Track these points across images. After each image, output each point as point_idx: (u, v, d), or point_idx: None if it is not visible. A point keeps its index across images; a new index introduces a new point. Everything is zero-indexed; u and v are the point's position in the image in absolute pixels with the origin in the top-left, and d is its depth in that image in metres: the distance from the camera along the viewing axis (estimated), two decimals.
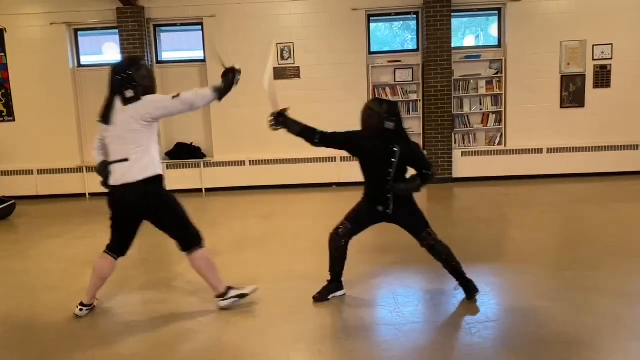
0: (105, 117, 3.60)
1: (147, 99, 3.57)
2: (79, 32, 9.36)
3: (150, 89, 3.65)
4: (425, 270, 4.38)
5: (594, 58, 8.95)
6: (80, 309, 3.82)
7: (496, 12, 9.15)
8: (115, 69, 3.61)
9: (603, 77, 8.98)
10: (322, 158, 8.73)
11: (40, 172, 9.16)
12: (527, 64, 8.96)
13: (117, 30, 9.00)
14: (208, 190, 9.22)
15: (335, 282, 3.98)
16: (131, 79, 3.54)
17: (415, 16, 9.22)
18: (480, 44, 9.52)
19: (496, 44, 9.22)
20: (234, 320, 3.75)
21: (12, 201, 7.87)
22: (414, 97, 9.17)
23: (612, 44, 8.89)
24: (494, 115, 9.19)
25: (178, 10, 9.08)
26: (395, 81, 9.15)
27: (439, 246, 3.80)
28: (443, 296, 3.94)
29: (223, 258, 5.27)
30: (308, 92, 9.00)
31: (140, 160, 3.55)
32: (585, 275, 4.30)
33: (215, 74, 9.38)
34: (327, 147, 3.90)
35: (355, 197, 4.06)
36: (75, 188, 9.22)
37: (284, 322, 3.64)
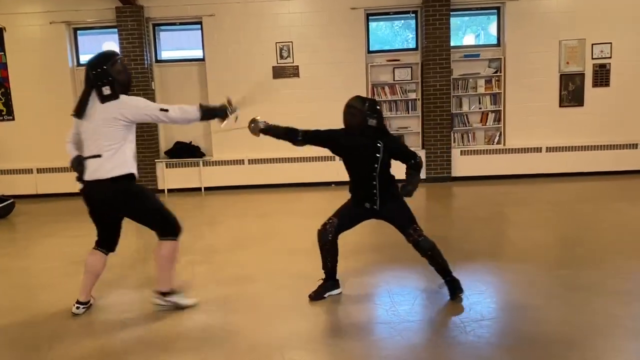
0: (80, 111, 3.60)
1: (131, 102, 3.58)
2: (78, 31, 9.37)
3: (127, 83, 3.66)
4: (421, 269, 4.38)
5: (593, 57, 8.94)
6: (77, 307, 3.83)
7: (495, 11, 9.15)
8: (91, 64, 3.61)
9: (602, 76, 8.97)
10: (321, 157, 8.74)
11: (39, 171, 9.17)
12: (526, 62, 8.96)
13: (116, 30, 9.01)
14: (207, 189, 9.23)
15: (330, 280, 3.99)
16: (106, 74, 3.53)
17: (414, 15, 9.22)
18: (480, 43, 9.52)
19: (495, 42, 9.22)
20: (229, 318, 3.76)
21: (11, 200, 7.89)
22: (412, 96, 9.17)
23: (611, 43, 8.88)
24: (493, 114, 9.19)
25: (177, 10, 9.09)
26: (394, 80, 9.15)
27: (424, 242, 3.80)
28: (438, 295, 3.94)
29: (221, 256, 5.29)
30: (307, 91, 9.00)
31: (113, 157, 3.55)
32: (581, 274, 4.31)
33: (215, 73, 9.43)
34: (311, 144, 3.96)
35: None
36: (74, 187, 9.06)
37: (280, 320, 3.65)
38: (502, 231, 6.08)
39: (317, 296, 3.93)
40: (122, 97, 3.57)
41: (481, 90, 9.14)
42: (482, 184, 8.80)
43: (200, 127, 9.40)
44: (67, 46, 9.19)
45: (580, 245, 5.21)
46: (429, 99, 8.99)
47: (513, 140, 9.16)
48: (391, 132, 9.00)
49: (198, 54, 9.36)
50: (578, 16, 8.87)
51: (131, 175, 3.64)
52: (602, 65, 8.95)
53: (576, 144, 9.03)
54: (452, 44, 8.96)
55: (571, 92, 9.04)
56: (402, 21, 9.73)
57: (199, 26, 9.21)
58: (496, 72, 9.09)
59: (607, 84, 8.98)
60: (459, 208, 7.61)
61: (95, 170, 3.56)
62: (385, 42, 9.85)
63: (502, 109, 9.13)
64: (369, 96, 9.02)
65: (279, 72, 9.13)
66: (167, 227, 3.76)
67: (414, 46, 9.29)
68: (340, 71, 9.03)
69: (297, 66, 9.12)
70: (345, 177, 4.00)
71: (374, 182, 3.79)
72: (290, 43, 9.08)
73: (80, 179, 3.67)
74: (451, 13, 8.88)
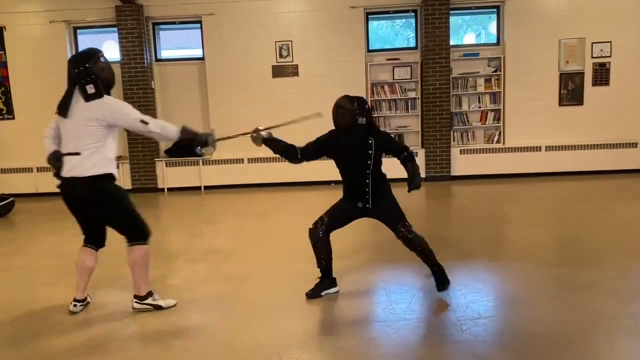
0: (63, 110, 3.60)
1: (115, 106, 3.56)
2: (78, 30, 9.39)
3: (110, 81, 3.66)
4: (418, 268, 4.37)
5: (593, 56, 8.93)
6: (74, 305, 3.84)
7: (495, 9, 9.14)
8: (73, 61, 3.61)
9: (602, 75, 8.97)
10: None
11: (39, 169, 9.18)
12: (526, 61, 8.95)
13: (116, 29, 9.02)
14: (207, 188, 9.24)
15: (327, 279, 4.00)
16: (89, 72, 3.53)
17: (413, 14, 9.22)
18: (479, 42, 9.51)
19: (495, 41, 9.22)
20: (226, 316, 3.77)
21: (11, 198, 7.91)
22: (412, 95, 9.17)
23: (611, 42, 8.87)
24: (493, 113, 9.19)
25: (177, 8, 9.10)
26: (393, 79, 9.15)
27: (415, 238, 3.82)
28: (435, 293, 3.95)
29: (219, 255, 5.30)
30: (306, 90, 9.00)
31: (92, 156, 3.54)
32: (579, 274, 4.31)
33: (215, 72, 9.43)
34: (309, 160, 3.99)
35: None
36: None
37: (276, 318, 3.66)
38: (501, 230, 6.08)
39: (313, 294, 3.94)
40: (107, 98, 3.56)
41: (481, 89, 9.14)
42: (482, 183, 8.80)
43: (200, 127, 9.44)
44: (67, 45, 9.20)
45: (579, 245, 5.21)
46: (428, 98, 8.99)
47: (512, 139, 9.16)
48: (391, 131, 9.12)
49: (198, 53, 9.37)
50: (578, 15, 8.87)
51: (110, 175, 3.62)
52: (602, 64, 8.94)
53: (576, 143, 9.03)
54: (451, 42, 8.96)
55: (571, 91, 9.04)
56: (403, 20, 9.72)
57: (198, 25, 9.22)
58: (496, 71, 9.08)
59: (606, 83, 8.98)
60: (458, 207, 7.61)
61: (73, 168, 3.56)
62: (385, 41, 9.85)
63: (501, 108, 9.13)
64: (369, 95, 9.04)
65: (279, 71, 9.14)
66: (137, 230, 3.74)
67: (414, 45, 9.29)
68: (340, 70, 9.04)
69: (297, 65, 9.13)
70: None
71: (367, 181, 3.81)
72: (290, 42, 9.08)
73: (57, 174, 3.66)
74: (451, 12, 8.88)
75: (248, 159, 9.21)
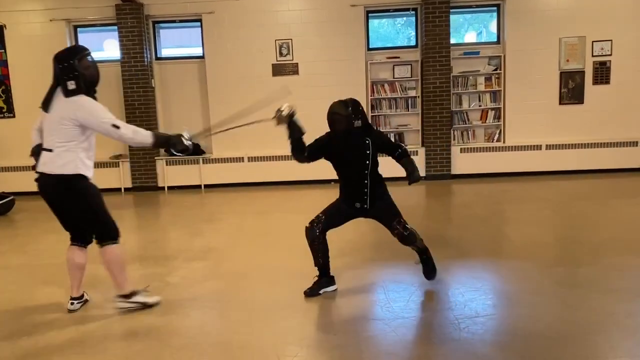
0: (45, 104, 3.62)
1: (88, 107, 3.53)
2: (78, 29, 9.39)
3: (94, 80, 3.64)
4: (417, 266, 4.38)
5: (594, 54, 8.91)
6: (72, 303, 3.85)
7: (495, 8, 9.12)
8: (58, 57, 3.61)
9: (602, 73, 8.95)
10: None
11: None
12: (526, 60, 8.94)
13: (116, 27, 9.02)
14: (207, 186, 9.25)
15: (325, 277, 4.00)
16: (73, 68, 3.52)
17: (414, 12, 9.21)
18: (479, 41, 9.50)
19: (495, 40, 9.20)
20: (224, 314, 3.78)
21: (12, 197, 7.92)
22: (412, 93, 9.17)
23: (611, 40, 8.85)
24: (493, 111, 9.18)
25: (177, 7, 9.10)
26: (393, 77, 9.14)
27: (410, 235, 3.88)
28: (433, 291, 3.95)
29: (218, 253, 5.30)
30: (306, 89, 8.97)
31: (62, 155, 3.54)
32: (578, 272, 4.31)
33: (215, 70, 9.44)
34: (312, 160, 3.96)
35: None
36: None
37: (274, 316, 3.66)
38: (500, 229, 6.07)
39: (311, 293, 3.95)
40: (84, 99, 3.53)
41: (481, 87, 9.13)
42: (482, 181, 8.79)
43: (200, 126, 9.44)
44: (68, 43, 9.17)
45: (578, 243, 5.20)
46: (428, 96, 8.98)
47: (513, 138, 9.15)
48: (391, 129, 9.12)
49: (198, 51, 9.37)
50: (578, 13, 8.85)
51: (80, 176, 3.59)
52: (603, 63, 8.93)
53: (576, 141, 9.01)
54: (452, 41, 8.95)
55: (571, 89, 9.02)
56: (404, 18, 9.71)
57: (198, 23, 9.22)
58: (496, 69, 9.07)
59: (607, 82, 8.96)
60: (458, 206, 7.61)
61: (45, 164, 3.58)
62: (385, 39, 9.84)
63: (502, 106, 9.12)
64: (369, 93, 9.04)
65: (279, 70, 9.13)
66: (106, 230, 3.73)
67: (414, 43, 9.28)
68: (340, 69, 9.03)
69: (297, 64, 9.13)
70: None
71: (366, 181, 3.83)
72: (290, 40, 9.08)
73: (34, 168, 3.68)
74: (451, 10, 8.86)
75: (248, 158, 9.21)
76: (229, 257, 5.15)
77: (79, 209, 3.67)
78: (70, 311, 3.84)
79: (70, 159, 3.55)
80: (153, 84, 9.25)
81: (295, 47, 9.08)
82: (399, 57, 9.14)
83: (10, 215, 7.73)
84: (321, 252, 3.94)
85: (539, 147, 9.05)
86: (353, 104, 3.83)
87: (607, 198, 7.28)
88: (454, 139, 9.20)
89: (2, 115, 9.39)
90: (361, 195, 3.87)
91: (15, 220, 7.54)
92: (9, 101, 9.32)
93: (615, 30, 8.84)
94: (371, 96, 9.11)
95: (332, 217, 3.95)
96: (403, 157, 3.89)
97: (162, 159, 9.27)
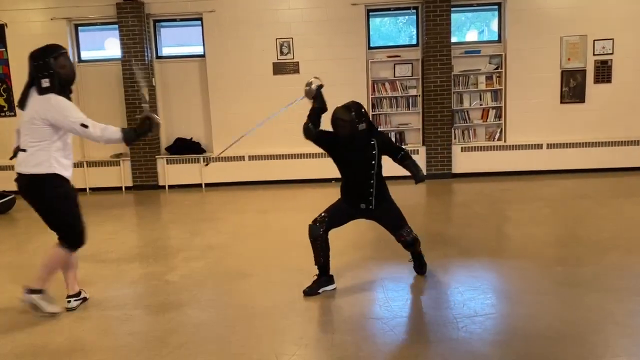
0: (21, 102, 3.61)
1: (59, 106, 3.51)
2: (79, 28, 9.39)
3: (70, 79, 3.63)
4: (411, 264, 4.38)
5: (595, 53, 8.88)
6: (69, 301, 3.84)
7: (496, 7, 9.10)
8: (33, 55, 3.59)
9: (604, 72, 8.92)
10: (321, 154, 8.67)
11: None
12: (527, 59, 8.92)
13: (117, 26, 9.02)
14: (207, 185, 9.25)
15: (324, 276, 4.00)
16: (48, 66, 3.50)
17: (415, 11, 9.19)
18: (480, 39, 9.48)
19: (496, 39, 9.18)
20: (223, 313, 3.78)
21: (12, 196, 7.92)
22: (413, 92, 9.15)
23: (613, 39, 8.82)
24: (494, 110, 9.16)
25: (177, 6, 9.10)
26: (394, 76, 9.13)
27: (415, 242, 4.01)
28: (432, 291, 3.95)
29: (218, 252, 5.30)
30: None
31: (35, 155, 3.53)
32: (577, 271, 4.30)
33: (216, 69, 9.44)
34: (317, 141, 3.94)
35: None
36: (75, 183, 9.19)
37: (273, 314, 3.66)
38: (500, 228, 6.06)
39: (311, 291, 3.94)
40: (54, 98, 3.51)
41: (482, 86, 9.11)
42: (483, 180, 8.77)
43: (201, 125, 9.45)
44: (69, 42, 9.19)
45: (578, 242, 5.20)
46: (429, 95, 8.97)
47: (514, 137, 9.13)
48: (391, 128, 9.11)
49: (198, 50, 9.37)
50: (579, 12, 8.82)
51: (54, 175, 3.58)
52: (604, 62, 8.90)
53: (577, 140, 8.99)
54: (453, 40, 8.94)
55: (572, 88, 9.00)
56: (405, 17, 9.69)
57: (199, 22, 9.21)
58: (497, 68, 9.06)
59: (608, 81, 8.93)
60: (459, 204, 7.60)
61: (20, 164, 3.59)
62: (386, 38, 9.82)
63: (502, 105, 9.10)
64: (370, 92, 9.03)
65: (280, 69, 9.13)
66: (70, 237, 3.72)
67: (415, 42, 9.27)
68: (341, 67, 9.02)
69: (298, 62, 9.12)
70: None
71: (372, 182, 3.87)
72: (291, 39, 9.07)
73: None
74: (452, 9, 8.85)
75: (249, 157, 9.21)
76: (228, 256, 5.15)
77: (46, 210, 3.66)
78: (68, 310, 3.83)
79: (43, 158, 3.54)
80: (154, 82, 9.25)
81: (296, 46, 9.07)
82: (399, 56, 9.13)
83: (10, 214, 7.74)
84: (322, 251, 3.94)
85: (540, 146, 9.02)
86: (356, 107, 3.83)
87: (608, 197, 7.27)
88: (455, 138, 9.18)
89: (3, 114, 9.40)
90: (367, 196, 3.90)
91: (16, 219, 7.55)
92: (9, 100, 9.33)
93: (616, 29, 8.81)
94: (372, 95, 9.09)
95: (335, 216, 3.96)
96: (405, 160, 3.91)
97: (162, 158, 9.27)
